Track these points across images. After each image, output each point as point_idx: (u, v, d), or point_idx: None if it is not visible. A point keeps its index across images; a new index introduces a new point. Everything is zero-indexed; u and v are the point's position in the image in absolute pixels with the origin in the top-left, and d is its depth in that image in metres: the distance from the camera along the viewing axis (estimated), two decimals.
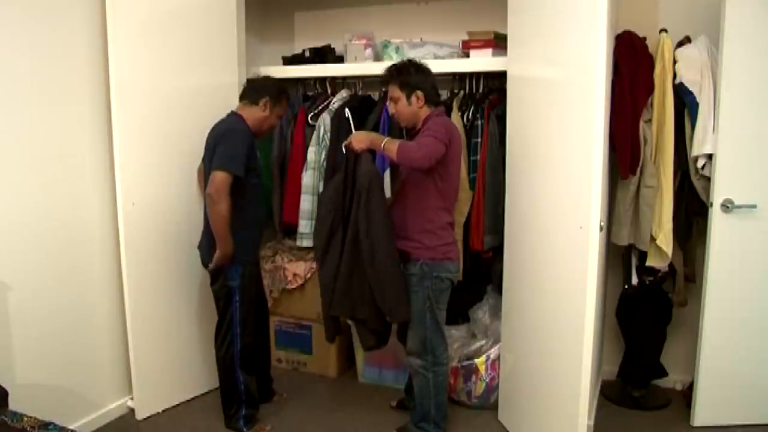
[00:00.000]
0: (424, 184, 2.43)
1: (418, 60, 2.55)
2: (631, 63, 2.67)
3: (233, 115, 2.63)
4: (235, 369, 2.69)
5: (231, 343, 2.68)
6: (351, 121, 2.89)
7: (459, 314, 3.10)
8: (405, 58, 2.77)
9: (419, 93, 2.43)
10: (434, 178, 2.41)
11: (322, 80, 3.38)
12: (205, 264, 2.69)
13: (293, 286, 3.31)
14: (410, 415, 2.67)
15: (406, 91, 2.44)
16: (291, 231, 3.35)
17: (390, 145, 2.36)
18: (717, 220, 2.60)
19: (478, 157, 2.91)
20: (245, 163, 2.50)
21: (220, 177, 2.43)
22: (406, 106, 2.46)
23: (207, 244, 2.64)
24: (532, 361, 2.51)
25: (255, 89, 2.64)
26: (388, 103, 2.58)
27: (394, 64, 2.55)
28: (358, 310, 2.48)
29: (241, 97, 2.68)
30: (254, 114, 2.62)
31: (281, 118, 2.69)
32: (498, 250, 2.83)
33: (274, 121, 2.71)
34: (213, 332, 2.77)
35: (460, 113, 2.97)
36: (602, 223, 2.15)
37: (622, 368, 3.04)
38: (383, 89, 3.11)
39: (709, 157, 2.63)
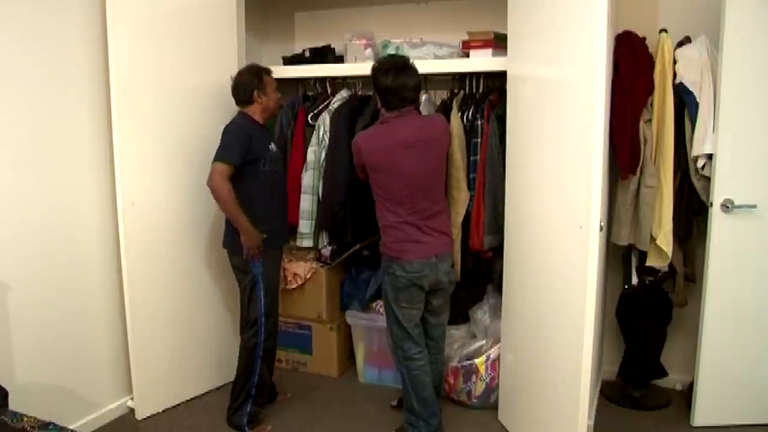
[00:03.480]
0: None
1: (403, 60, 2.53)
2: (631, 63, 2.67)
3: (239, 114, 2.72)
4: (255, 360, 2.71)
5: (256, 333, 2.71)
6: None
7: (459, 314, 3.10)
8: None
9: (378, 97, 2.51)
10: (371, 185, 2.56)
11: (322, 80, 3.37)
12: (231, 261, 2.75)
13: (293, 286, 3.31)
14: None
15: (375, 92, 2.53)
16: (291, 231, 3.34)
17: None
18: (717, 220, 2.60)
19: (478, 157, 2.90)
20: (243, 153, 2.57)
21: (214, 168, 2.55)
22: (378, 105, 2.56)
23: (229, 239, 2.71)
24: (532, 361, 2.51)
25: (241, 92, 2.71)
26: None
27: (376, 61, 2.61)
28: None
29: (238, 103, 2.74)
30: (257, 109, 2.71)
31: (276, 88, 2.79)
32: (498, 250, 2.83)
33: (274, 97, 2.76)
34: (213, 332, 2.77)
35: (460, 113, 2.97)
36: (602, 223, 2.15)
37: (622, 368, 3.04)
38: None
39: (709, 157, 2.62)
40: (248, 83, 2.70)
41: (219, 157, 2.56)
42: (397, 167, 2.46)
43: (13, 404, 2.02)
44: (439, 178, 2.58)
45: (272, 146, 2.77)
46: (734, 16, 2.46)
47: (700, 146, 2.62)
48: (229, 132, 2.63)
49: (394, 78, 2.43)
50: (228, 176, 2.54)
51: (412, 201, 2.48)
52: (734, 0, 2.45)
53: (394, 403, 2.99)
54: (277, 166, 2.79)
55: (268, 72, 2.77)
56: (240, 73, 2.76)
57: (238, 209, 2.57)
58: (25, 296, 2.43)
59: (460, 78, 3.12)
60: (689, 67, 2.64)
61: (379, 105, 2.55)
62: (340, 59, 3.32)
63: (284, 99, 3.43)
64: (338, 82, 3.36)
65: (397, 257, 2.48)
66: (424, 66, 2.67)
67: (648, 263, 2.77)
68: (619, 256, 3.01)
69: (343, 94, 3.28)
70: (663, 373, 2.99)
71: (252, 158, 2.62)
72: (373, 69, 2.51)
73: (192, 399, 3.04)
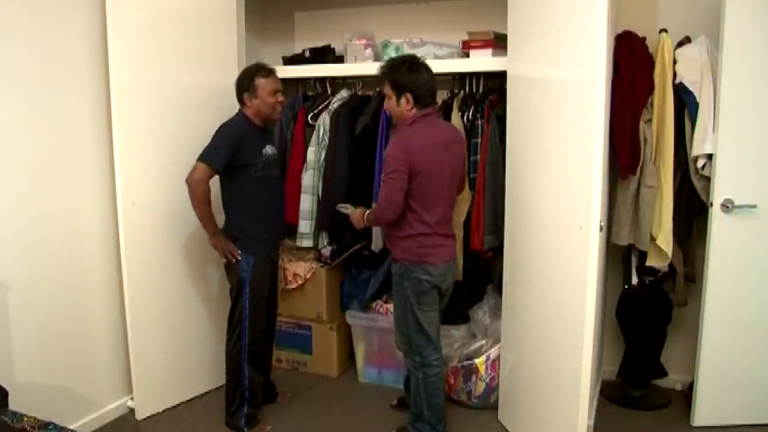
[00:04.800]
0: None
1: (419, 57, 2.51)
2: (631, 63, 2.67)
3: (238, 113, 2.69)
4: (241, 363, 2.69)
5: (239, 337, 2.68)
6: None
7: (459, 314, 3.10)
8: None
9: (408, 95, 2.39)
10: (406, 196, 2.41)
11: (322, 80, 3.37)
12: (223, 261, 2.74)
13: (293, 286, 3.31)
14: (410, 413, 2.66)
15: (396, 91, 2.42)
16: (291, 231, 3.35)
17: (370, 218, 2.55)
18: (717, 220, 2.60)
19: (478, 157, 2.91)
20: (229, 159, 2.54)
21: (197, 167, 2.54)
22: (395, 105, 2.45)
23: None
24: (532, 361, 2.51)
25: (236, 92, 2.68)
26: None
27: (389, 60, 2.56)
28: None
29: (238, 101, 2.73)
30: (249, 109, 2.67)
31: (278, 92, 2.67)
32: (498, 250, 2.83)
33: (268, 100, 2.63)
34: (213, 332, 2.77)
35: (460, 113, 2.97)
36: (602, 223, 2.15)
37: (622, 368, 3.04)
38: (377, 89, 3.12)
39: (709, 157, 2.62)
40: (239, 83, 2.66)
41: (204, 158, 2.54)
42: (438, 168, 2.40)
43: (13, 404, 2.02)
44: (456, 181, 2.55)
45: (268, 149, 2.68)
46: (734, 16, 2.46)
47: (700, 146, 2.62)
48: (221, 133, 2.58)
49: (422, 73, 2.40)
50: (208, 178, 2.53)
51: (440, 204, 2.45)
52: (734, 0, 2.45)
53: (394, 402, 2.99)
54: (272, 170, 2.72)
55: (267, 74, 2.65)
56: (241, 71, 2.73)
57: (209, 213, 2.57)
58: (26, 296, 2.43)
59: (460, 78, 3.12)
60: (689, 67, 2.64)
61: (410, 104, 2.40)
62: (340, 59, 3.32)
63: (284, 100, 3.44)
64: (338, 82, 3.36)
65: (422, 261, 2.45)
66: None
67: (648, 263, 2.77)
68: (619, 256, 3.01)
69: (343, 94, 3.28)
70: (663, 373, 2.99)
71: (241, 164, 2.57)
72: (392, 68, 2.43)
73: (192, 399, 3.04)
